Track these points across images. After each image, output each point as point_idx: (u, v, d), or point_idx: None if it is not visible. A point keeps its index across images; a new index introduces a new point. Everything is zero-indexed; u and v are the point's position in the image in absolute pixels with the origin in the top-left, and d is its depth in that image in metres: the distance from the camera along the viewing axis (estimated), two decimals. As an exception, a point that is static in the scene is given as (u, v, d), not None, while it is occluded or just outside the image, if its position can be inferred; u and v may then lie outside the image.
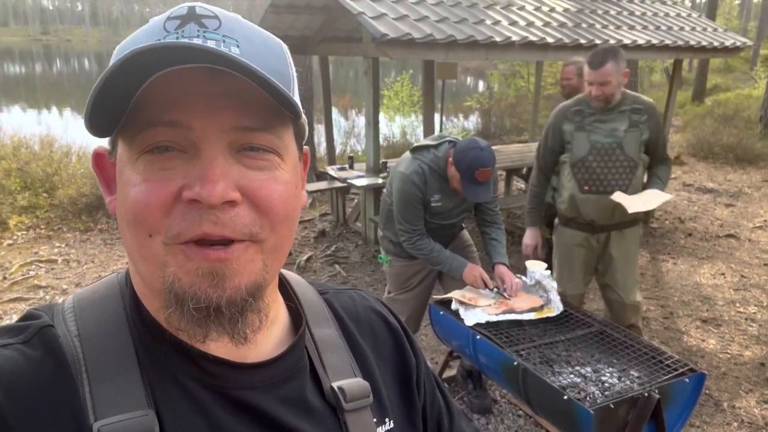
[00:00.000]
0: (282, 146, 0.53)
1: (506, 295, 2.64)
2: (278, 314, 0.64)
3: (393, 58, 4.06)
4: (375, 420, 0.64)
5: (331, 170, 5.80)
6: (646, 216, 3.06)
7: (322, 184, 6.02)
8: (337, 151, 9.67)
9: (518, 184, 7.40)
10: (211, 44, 0.47)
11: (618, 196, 2.85)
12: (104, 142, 0.56)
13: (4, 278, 4.71)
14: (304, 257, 5.23)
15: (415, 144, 2.72)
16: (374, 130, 5.10)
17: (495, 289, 2.69)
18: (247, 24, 0.53)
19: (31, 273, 4.81)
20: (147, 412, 0.51)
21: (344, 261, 5.22)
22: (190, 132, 0.49)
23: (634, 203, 2.82)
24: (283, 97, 0.48)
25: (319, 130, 7.94)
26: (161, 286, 0.50)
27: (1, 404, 0.47)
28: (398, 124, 12.33)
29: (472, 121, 14.53)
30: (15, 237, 5.66)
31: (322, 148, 8.15)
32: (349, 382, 0.63)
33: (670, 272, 5.01)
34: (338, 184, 5.72)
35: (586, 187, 2.98)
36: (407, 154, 2.70)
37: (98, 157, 0.57)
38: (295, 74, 0.55)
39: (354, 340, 0.69)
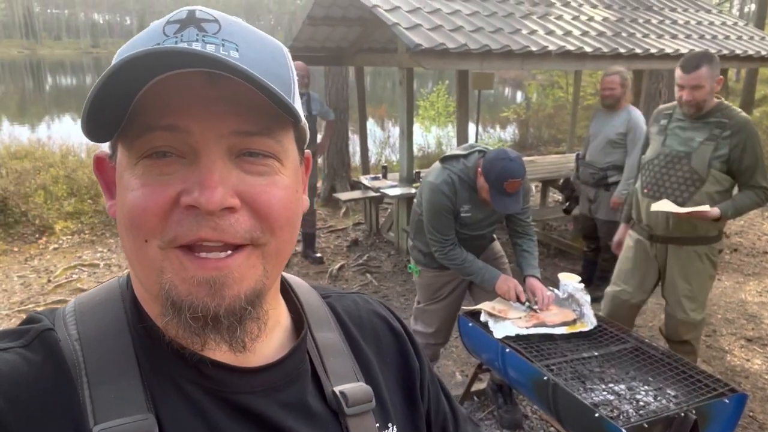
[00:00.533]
0: (282, 151, 0.53)
1: (537, 309, 2.58)
2: (280, 318, 0.63)
3: (427, 68, 4.07)
4: (378, 425, 0.63)
5: (365, 180, 5.82)
6: (717, 233, 2.91)
7: (356, 194, 6.05)
8: (372, 161, 9.72)
9: (554, 195, 7.28)
10: (210, 48, 0.47)
11: (659, 205, 2.79)
12: (105, 147, 0.56)
13: (49, 281, 4.89)
14: (336, 266, 5.25)
15: (446, 154, 2.71)
16: (408, 140, 5.11)
17: (526, 303, 2.64)
18: (247, 27, 0.53)
19: (74, 276, 4.98)
20: (147, 416, 0.50)
21: (376, 270, 5.22)
22: (189, 136, 0.48)
23: (663, 206, 2.78)
24: (282, 102, 0.48)
25: (354, 140, 7.99)
26: (158, 291, 0.50)
27: (1, 407, 0.47)
28: (434, 135, 12.31)
29: (510, 132, 14.40)
30: (60, 241, 5.88)
31: (357, 158, 8.19)
32: (351, 387, 0.63)
33: (714, 288, 4.82)
34: (372, 194, 5.73)
35: (646, 190, 2.93)
36: (437, 164, 2.69)
37: (99, 161, 0.57)
38: (295, 78, 0.55)
39: (357, 344, 0.68)
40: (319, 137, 5.43)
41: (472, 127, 8.76)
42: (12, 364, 0.50)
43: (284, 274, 0.65)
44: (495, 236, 2.96)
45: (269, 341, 0.60)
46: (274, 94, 0.47)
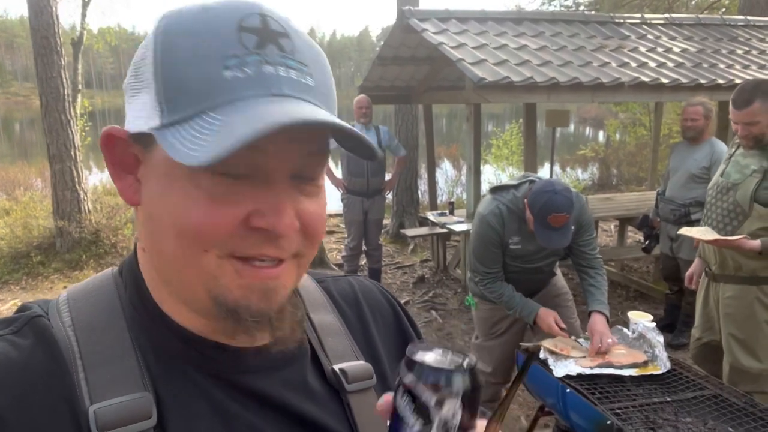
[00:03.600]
0: (321, 172, 0.55)
1: (582, 343, 2.46)
2: None
3: (492, 101, 4.04)
4: None
5: (431, 216, 5.80)
6: None
7: (423, 230, 6.03)
8: (443, 198, 9.69)
9: (634, 234, 6.91)
10: (293, 75, 0.49)
11: (689, 230, 2.72)
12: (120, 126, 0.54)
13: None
14: (401, 302, 5.20)
15: (495, 185, 2.65)
16: (475, 176, 5.06)
17: (572, 337, 2.50)
18: (306, 38, 0.53)
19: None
20: (143, 394, 0.51)
21: (441, 308, 5.12)
22: (264, 155, 0.48)
23: (691, 231, 2.69)
24: (352, 134, 0.50)
25: (424, 176, 8.03)
26: (206, 295, 0.51)
27: None
28: (507, 174, 12.15)
29: (589, 171, 13.96)
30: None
31: (426, 195, 8.20)
32: (351, 365, 0.64)
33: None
34: (438, 230, 5.69)
35: (702, 222, 2.80)
36: (488, 194, 2.64)
37: (109, 138, 0.54)
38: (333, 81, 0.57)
39: (353, 324, 0.70)
40: (387, 175, 5.50)
41: (546, 166, 8.55)
42: (1, 350, 0.51)
43: None
44: (558, 272, 2.82)
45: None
46: (348, 130, 0.49)
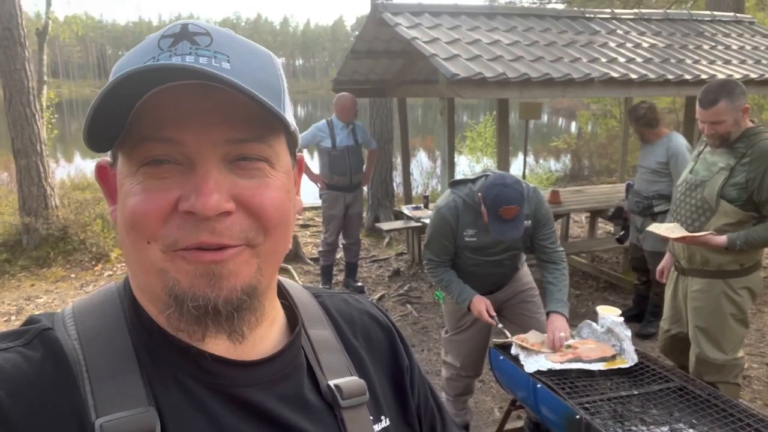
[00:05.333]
0: (273, 154, 0.55)
1: (508, 334, 2.57)
2: (276, 316, 0.66)
3: (465, 97, 4.06)
4: (371, 417, 0.66)
5: (406, 209, 5.82)
6: (738, 267, 2.73)
7: (398, 224, 6.04)
8: (420, 190, 9.72)
9: (604, 226, 7.04)
10: (203, 61, 0.50)
11: (657, 227, 2.79)
12: (107, 156, 0.59)
13: (101, 306, 5.08)
14: (377, 296, 5.22)
15: (454, 179, 2.71)
16: (450, 169, 5.08)
17: (500, 326, 2.62)
18: (238, 39, 0.55)
19: (124, 302, 5.16)
20: (148, 409, 0.52)
21: (417, 301, 5.15)
22: (184, 147, 0.51)
23: (658, 228, 2.76)
24: (270, 109, 0.50)
25: (399, 170, 8.03)
26: (161, 290, 0.53)
27: (5, 404, 0.49)
28: (482, 165, 12.23)
29: (561, 162, 14.14)
30: (115, 268, 6.13)
31: (401, 188, 8.22)
32: (345, 381, 0.65)
33: (779, 326, 4.49)
34: (413, 224, 5.71)
35: (670, 218, 2.86)
36: (447, 188, 2.71)
37: (101, 169, 0.59)
38: (285, 85, 0.57)
39: (349, 341, 0.71)
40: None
41: (520, 158, 8.64)
42: (13, 362, 0.52)
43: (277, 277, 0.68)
44: (524, 267, 2.87)
45: (266, 338, 0.63)
46: (263, 103, 0.49)
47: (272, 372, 0.60)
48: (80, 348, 0.54)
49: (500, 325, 2.62)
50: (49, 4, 8.29)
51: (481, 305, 2.59)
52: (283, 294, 0.70)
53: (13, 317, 4.89)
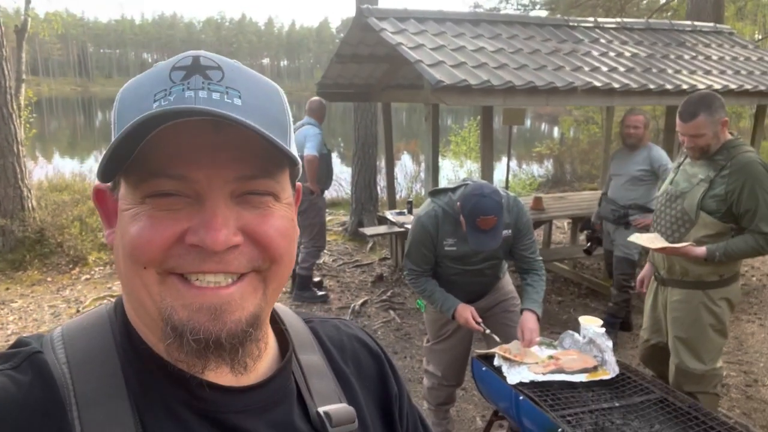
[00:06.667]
0: (279, 189, 0.56)
1: (498, 339, 2.57)
2: (267, 341, 0.65)
3: (449, 104, 4.06)
4: None
5: (390, 215, 5.80)
6: (717, 278, 2.76)
7: (382, 229, 6.03)
8: (403, 194, 9.71)
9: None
10: (215, 96, 0.50)
11: (638, 237, 2.81)
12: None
13: (78, 311, 4.98)
14: (359, 302, 5.20)
15: (434, 188, 2.71)
16: (434, 175, 5.07)
17: (487, 331, 2.62)
18: (247, 72, 0.56)
19: (102, 307, 5.06)
20: None
21: (400, 307, 5.14)
22: (195, 183, 0.51)
23: (639, 238, 2.80)
24: (280, 148, 0.51)
25: (383, 174, 8.01)
26: (158, 315, 0.52)
27: None
28: (466, 170, 12.27)
29: (545, 167, 14.25)
30: (92, 272, 6.01)
31: (385, 193, 8.21)
32: (335, 408, 0.64)
33: (755, 335, 4.55)
34: (397, 229, 5.70)
35: (651, 228, 2.89)
36: (428, 197, 2.70)
37: (99, 193, 0.59)
38: (291, 119, 0.58)
39: (339, 367, 0.70)
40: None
41: (504, 162, 8.67)
42: (1, 385, 0.51)
43: None
44: (506, 276, 2.87)
45: (258, 363, 0.61)
46: (274, 142, 0.50)
47: (263, 398, 0.60)
48: (69, 372, 0.54)
49: (487, 331, 2.62)
50: (28, 1, 8.14)
51: (467, 312, 2.58)
52: (274, 319, 0.70)
53: (-13, 322, 4.77)
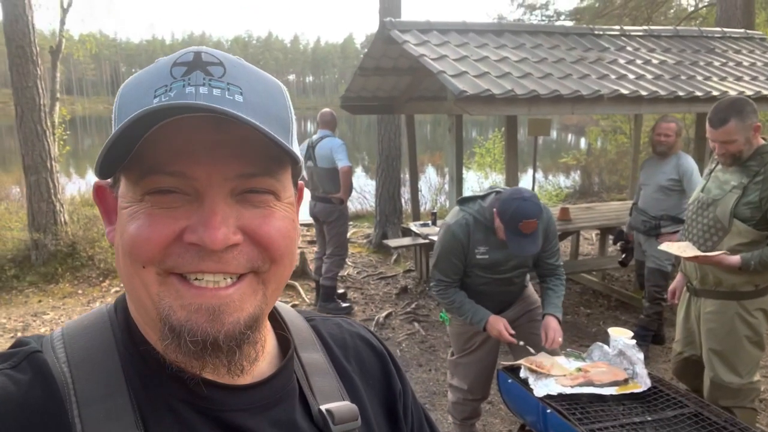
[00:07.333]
0: (281, 187, 0.55)
1: (533, 351, 2.51)
2: (267, 340, 0.65)
3: (473, 114, 4.03)
4: None
5: (414, 226, 5.78)
6: (753, 288, 2.66)
7: (406, 241, 6.00)
8: (427, 206, 9.68)
9: (616, 245, 6.94)
10: (216, 92, 0.50)
11: (669, 246, 2.72)
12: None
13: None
14: (384, 314, 5.17)
15: (462, 196, 2.66)
16: (457, 186, 5.04)
17: (521, 343, 2.55)
18: (250, 69, 0.55)
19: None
20: None
21: (424, 319, 5.09)
22: (195, 181, 0.51)
23: (671, 247, 2.70)
24: (281, 146, 0.50)
25: (407, 186, 8.01)
26: (157, 316, 0.52)
27: None
28: (491, 181, 12.19)
29: (572, 178, 14.07)
30: (121, 285, 6.11)
31: (409, 205, 8.20)
32: (337, 405, 0.63)
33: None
34: (421, 241, 5.67)
35: (682, 236, 2.81)
36: (456, 206, 2.66)
37: (100, 190, 0.59)
38: (293, 117, 0.57)
39: (341, 365, 0.70)
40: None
41: (529, 173, 8.61)
42: (0, 385, 0.51)
43: None
44: (530, 285, 2.84)
45: (256, 363, 0.61)
46: (274, 139, 0.49)
47: (264, 397, 0.59)
48: (69, 371, 0.53)
49: (521, 343, 2.56)
50: (63, 23, 8.42)
51: (500, 324, 2.54)
52: (275, 318, 0.69)
53: (19, 333, 4.88)
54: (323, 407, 0.63)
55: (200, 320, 0.51)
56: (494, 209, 2.44)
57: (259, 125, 0.48)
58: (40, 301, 5.64)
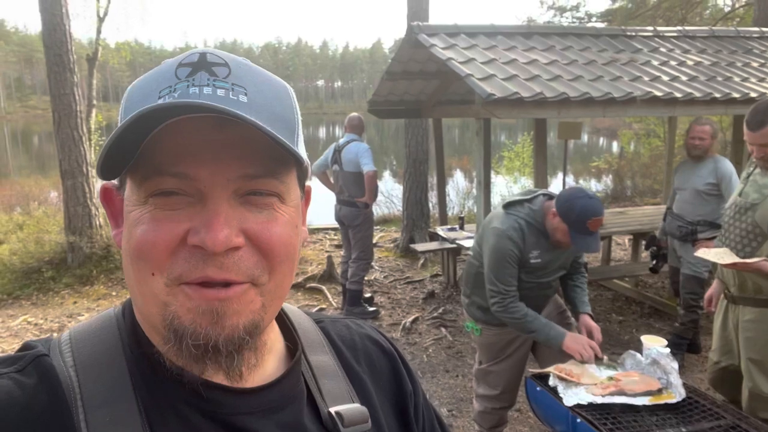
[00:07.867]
0: (285, 189, 0.55)
1: (612, 363, 2.43)
2: (274, 342, 0.65)
3: (501, 117, 3.99)
4: None
5: (441, 231, 5.74)
6: None
7: (433, 245, 5.97)
8: (455, 211, 9.62)
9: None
10: (220, 93, 0.50)
11: (706, 252, 2.64)
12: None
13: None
14: (410, 318, 5.14)
15: (507, 200, 2.59)
16: (485, 191, 4.99)
17: (605, 358, 2.46)
18: (255, 70, 0.55)
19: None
20: None
21: (451, 324, 5.05)
22: (198, 182, 0.50)
23: (707, 253, 2.63)
24: (285, 147, 0.50)
25: (434, 189, 7.97)
26: (161, 323, 0.52)
27: None
28: (519, 185, 12.06)
29: (603, 182, 13.82)
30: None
31: (437, 209, 8.16)
32: (346, 408, 0.63)
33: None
34: (448, 245, 5.63)
35: (719, 241, 2.73)
36: (499, 210, 2.58)
37: (107, 192, 0.59)
38: (299, 118, 0.57)
39: (351, 367, 0.69)
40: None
41: (559, 177, 8.47)
42: (6, 389, 0.51)
43: None
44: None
45: (264, 364, 0.62)
46: (278, 140, 0.49)
47: (272, 400, 0.59)
48: (75, 375, 0.54)
49: (606, 358, 2.46)
50: (99, 32, 8.66)
51: (582, 342, 2.43)
52: (283, 320, 0.69)
53: (54, 334, 5.01)
54: (332, 410, 0.62)
55: (204, 323, 0.51)
56: (552, 210, 2.40)
57: (262, 125, 0.48)
58: (75, 303, 5.79)
